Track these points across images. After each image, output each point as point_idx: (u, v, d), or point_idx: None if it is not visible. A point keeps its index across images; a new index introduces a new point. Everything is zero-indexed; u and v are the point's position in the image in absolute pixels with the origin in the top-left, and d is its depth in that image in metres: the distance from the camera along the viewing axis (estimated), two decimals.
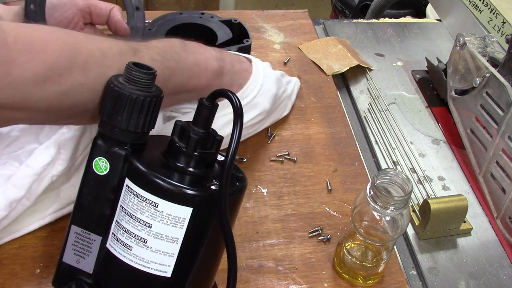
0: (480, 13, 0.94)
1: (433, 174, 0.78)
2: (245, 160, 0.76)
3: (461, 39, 0.79)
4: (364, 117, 0.86)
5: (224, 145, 0.45)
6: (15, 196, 0.55)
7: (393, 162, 0.79)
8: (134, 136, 0.45)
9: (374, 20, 1.10)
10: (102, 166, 0.45)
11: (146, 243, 0.43)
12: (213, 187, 0.44)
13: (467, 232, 0.70)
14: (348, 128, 0.83)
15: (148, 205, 0.43)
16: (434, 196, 0.73)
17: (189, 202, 0.43)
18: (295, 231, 0.67)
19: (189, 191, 0.42)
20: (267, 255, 0.64)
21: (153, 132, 0.47)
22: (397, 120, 0.86)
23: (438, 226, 0.68)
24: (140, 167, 0.43)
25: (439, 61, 0.94)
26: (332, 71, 0.93)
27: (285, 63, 0.95)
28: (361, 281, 0.62)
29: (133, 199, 0.43)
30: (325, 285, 0.62)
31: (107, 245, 0.45)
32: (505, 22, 0.89)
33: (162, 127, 0.64)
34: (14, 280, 0.58)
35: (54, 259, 0.59)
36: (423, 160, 0.80)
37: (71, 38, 0.46)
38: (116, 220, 0.45)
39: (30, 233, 0.63)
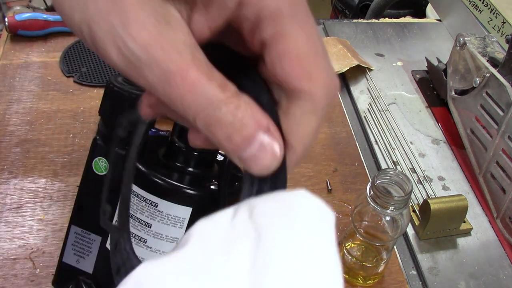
0: (480, 13, 0.94)
1: (433, 174, 0.78)
2: None
3: (461, 39, 0.79)
4: (364, 117, 0.86)
5: None
6: None
7: (393, 162, 0.79)
8: None
9: (374, 20, 1.10)
10: (102, 166, 0.45)
11: (145, 243, 0.43)
12: (212, 187, 0.44)
13: (467, 232, 0.70)
14: (348, 128, 0.83)
15: (148, 205, 0.43)
16: (434, 196, 0.73)
17: (189, 202, 0.43)
18: None
19: (189, 191, 0.42)
20: None
21: None
22: (397, 120, 0.86)
23: (438, 226, 0.68)
24: (140, 167, 0.43)
25: (439, 61, 0.94)
26: None
27: None
28: (361, 281, 0.62)
29: (133, 199, 0.43)
30: None
31: (107, 245, 0.45)
32: (505, 22, 0.89)
33: None
34: (14, 280, 0.58)
35: (54, 259, 0.59)
36: (423, 160, 0.80)
37: None
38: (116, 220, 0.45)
39: (30, 233, 0.63)
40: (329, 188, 0.73)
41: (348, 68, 0.93)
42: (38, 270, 0.59)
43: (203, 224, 0.23)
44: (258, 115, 0.23)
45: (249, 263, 0.21)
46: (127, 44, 0.21)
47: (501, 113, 0.70)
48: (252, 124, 0.23)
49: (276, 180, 0.25)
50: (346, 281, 0.62)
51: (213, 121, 0.22)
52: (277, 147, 0.24)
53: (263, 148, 0.23)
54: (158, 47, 0.21)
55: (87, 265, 0.46)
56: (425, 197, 0.73)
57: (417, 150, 0.81)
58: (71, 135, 0.76)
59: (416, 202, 0.72)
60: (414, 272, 0.66)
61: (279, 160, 0.24)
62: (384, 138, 0.82)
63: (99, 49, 0.23)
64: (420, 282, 0.65)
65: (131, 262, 0.28)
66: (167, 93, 0.22)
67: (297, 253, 0.22)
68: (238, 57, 0.26)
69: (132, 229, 0.43)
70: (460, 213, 0.67)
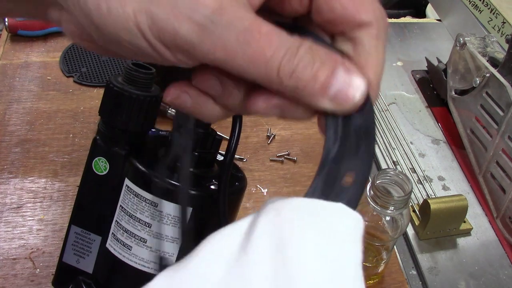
0: (480, 13, 0.94)
1: (433, 174, 0.78)
2: (245, 160, 0.76)
3: (461, 39, 0.79)
4: None
5: None
6: None
7: (393, 162, 0.79)
8: (133, 136, 0.45)
9: None
10: (102, 166, 0.45)
11: (145, 243, 0.43)
12: (212, 187, 0.44)
13: (467, 232, 0.70)
14: None
15: (148, 205, 0.43)
16: (434, 196, 0.73)
17: (189, 202, 0.43)
18: None
19: (189, 191, 0.42)
20: None
21: None
22: (397, 120, 0.86)
23: (438, 226, 0.68)
24: (140, 167, 0.43)
25: (439, 61, 0.94)
26: None
27: None
28: None
29: (133, 199, 0.43)
30: None
31: (107, 245, 0.45)
32: (505, 22, 0.89)
33: None
34: (14, 280, 0.58)
35: (54, 259, 0.59)
36: (423, 160, 0.80)
37: None
38: (116, 220, 0.45)
39: (30, 233, 0.63)
40: None
41: None
42: (38, 270, 0.59)
43: (218, 232, 0.23)
44: (331, 53, 0.24)
45: (270, 273, 0.21)
46: (200, 11, 0.22)
47: (501, 113, 0.70)
48: (330, 60, 0.24)
49: (362, 119, 0.26)
50: None
51: (295, 65, 0.23)
52: (359, 79, 0.24)
53: (346, 81, 0.24)
54: (229, 8, 0.22)
55: (87, 265, 0.46)
56: (425, 197, 0.73)
57: (417, 150, 0.81)
58: (71, 135, 0.76)
59: (416, 202, 0.72)
60: (414, 272, 0.66)
61: (363, 91, 0.24)
62: (384, 138, 0.82)
63: (164, 32, 0.22)
64: (420, 282, 0.65)
65: None
66: (248, 54, 0.23)
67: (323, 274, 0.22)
68: (282, 21, 0.27)
69: (132, 229, 0.43)
70: (460, 213, 0.67)
